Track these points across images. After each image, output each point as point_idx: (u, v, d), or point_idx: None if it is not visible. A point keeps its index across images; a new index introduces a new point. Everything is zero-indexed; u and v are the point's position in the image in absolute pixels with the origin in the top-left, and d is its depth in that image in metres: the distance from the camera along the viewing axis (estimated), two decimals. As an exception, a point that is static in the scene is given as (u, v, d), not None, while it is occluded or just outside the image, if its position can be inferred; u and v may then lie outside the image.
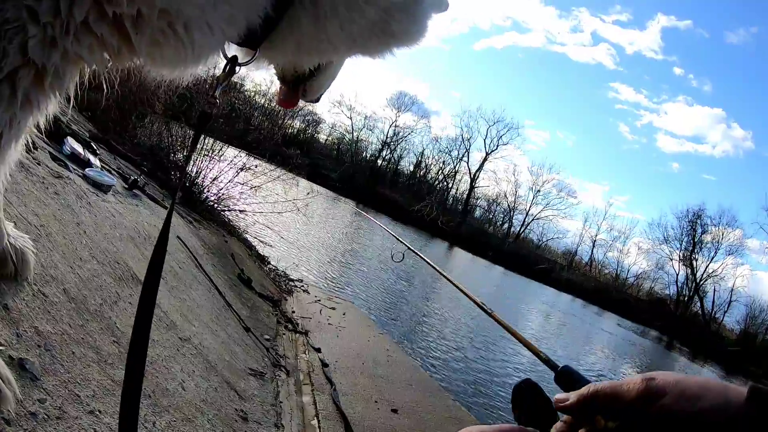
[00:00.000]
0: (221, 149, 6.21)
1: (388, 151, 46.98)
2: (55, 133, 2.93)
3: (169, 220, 0.79)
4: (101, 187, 2.75)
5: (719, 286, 38.14)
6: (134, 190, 3.47)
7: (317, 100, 1.16)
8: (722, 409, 0.36)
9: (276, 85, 1.13)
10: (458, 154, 46.61)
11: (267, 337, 3.56)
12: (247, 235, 6.55)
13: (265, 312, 4.13)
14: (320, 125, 45.72)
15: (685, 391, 0.38)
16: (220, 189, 6.15)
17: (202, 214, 5.40)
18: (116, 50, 0.77)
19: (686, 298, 39.38)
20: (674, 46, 67.87)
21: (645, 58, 66.68)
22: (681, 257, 40.01)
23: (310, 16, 0.83)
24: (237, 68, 0.90)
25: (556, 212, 47.01)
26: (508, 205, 47.89)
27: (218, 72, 0.91)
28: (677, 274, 40.23)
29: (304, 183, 8.50)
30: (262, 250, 6.67)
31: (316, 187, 16.54)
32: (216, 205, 6.08)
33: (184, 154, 5.64)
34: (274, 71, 1.06)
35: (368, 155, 46.87)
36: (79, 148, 3.02)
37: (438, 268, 1.23)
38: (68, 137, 3.03)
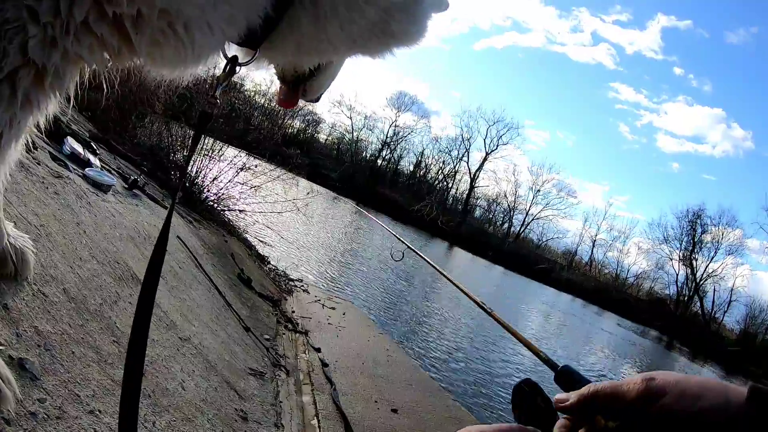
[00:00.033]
0: (221, 149, 6.21)
1: (388, 151, 47.11)
2: (55, 132, 2.93)
3: (169, 220, 0.79)
4: (101, 187, 2.75)
5: (719, 286, 38.26)
6: (134, 190, 3.47)
7: (317, 100, 1.16)
8: (722, 408, 0.36)
9: (276, 85, 1.13)
10: (458, 153, 46.75)
11: (267, 336, 3.56)
12: (247, 235, 6.55)
13: (264, 312, 4.13)
14: (320, 125, 45.85)
15: (685, 391, 0.38)
16: (220, 189, 6.15)
17: (202, 213, 5.40)
18: (116, 50, 0.77)
19: (686, 298, 39.44)
20: (674, 46, 68.06)
21: (645, 58, 66.89)
22: (681, 257, 40.09)
23: (310, 16, 0.83)
24: (237, 68, 0.90)
25: (556, 212, 47.15)
26: (508, 205, 48.01)
27: (218, 72, 0.91)
28: (677, 274, 40.36)
29: (304, 183, 8.49)
30: (262, 249, 6.67)
31: (316, 186, 16.52)
32: (216, 205, 6.08)
33: (184, 154, 5.63)
34: (274, 71, 1.06)
35: (368, 155, 47.00)
36: (79, 147, 3.02)
37: (438, 268, 1.23)
38: (68, 137, 3.03)
